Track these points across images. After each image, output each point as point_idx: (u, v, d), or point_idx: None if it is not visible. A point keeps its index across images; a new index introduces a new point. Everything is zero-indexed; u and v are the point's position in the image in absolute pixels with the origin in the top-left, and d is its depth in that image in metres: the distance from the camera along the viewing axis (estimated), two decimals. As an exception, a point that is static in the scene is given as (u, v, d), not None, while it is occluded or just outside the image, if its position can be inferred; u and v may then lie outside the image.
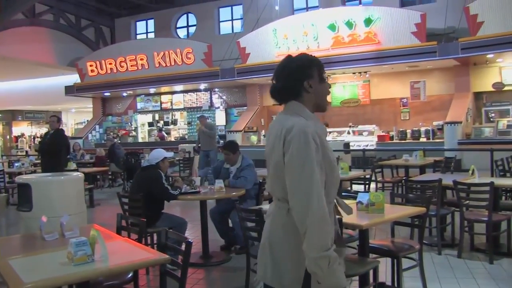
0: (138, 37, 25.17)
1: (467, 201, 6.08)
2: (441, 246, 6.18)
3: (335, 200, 2.48)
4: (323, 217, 2.16)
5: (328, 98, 2.49)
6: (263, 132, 19.20)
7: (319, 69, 2.44)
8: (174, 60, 20.16)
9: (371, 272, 4.10)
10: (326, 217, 2.17)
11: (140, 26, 25.48)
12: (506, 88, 15.98)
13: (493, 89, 16.13)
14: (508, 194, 8.26)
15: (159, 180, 5.92)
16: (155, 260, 3.25)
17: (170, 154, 6.45)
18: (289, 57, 2.49)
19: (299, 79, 2.40)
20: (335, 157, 2.41)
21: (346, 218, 3.95)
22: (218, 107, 21.73)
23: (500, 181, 6.65)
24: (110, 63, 21.66)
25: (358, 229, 4.21)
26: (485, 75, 16.36)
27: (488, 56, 15.17)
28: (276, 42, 17.64)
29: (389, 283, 4.67)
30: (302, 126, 2.26)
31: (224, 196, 6.26)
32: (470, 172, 6.67)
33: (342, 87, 18.57)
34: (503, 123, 14.98)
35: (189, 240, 3.33)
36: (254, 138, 18.74)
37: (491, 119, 15.94)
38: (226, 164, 6.89)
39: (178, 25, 24.33)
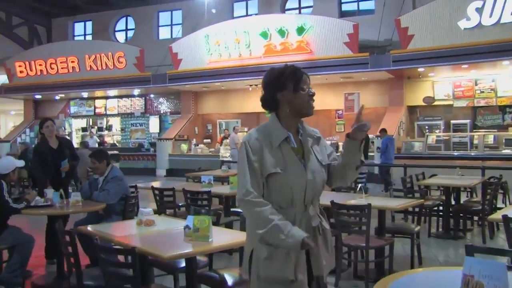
0: (76, 38, 24.20)
1: (354, 226, 5.49)
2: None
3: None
4: (242, 202, 2.43)
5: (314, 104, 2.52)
6: (194, 141, 18.53)
7: (292, 80, 2.46)
8: (106, 63, 19.33)
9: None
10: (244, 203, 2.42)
11: (78, 27, 24.56)
12: (436, 103, 15.74)
13: (424, 104, 15.88)
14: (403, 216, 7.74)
15: None
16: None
17: (21, 163, 5.73)
18: (270, 68, 2.58)
19: (273, 90, 2.49)
20: (280, 165, 2.43)
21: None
22: (153, 114, 20.96)
23: (378, 202, 5.70)
24: (40, 64, 20.67)
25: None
26: (418, 89, 16.12)
27: (420, 69, 14.92)
28: (208, 48, 17.02)
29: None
30: (244, 137, 2.54)
31: (80, 210, 5.66)
32: (358, 190, 6.14)
33: (276, 97, 18.05)
34: (432, 137, 14.69)
35: None
36: (184, 146, 17.97)
37: (425, 133, 15.63)
38: (95, 174, 6.25)
39: (117, 28, 23.51)
